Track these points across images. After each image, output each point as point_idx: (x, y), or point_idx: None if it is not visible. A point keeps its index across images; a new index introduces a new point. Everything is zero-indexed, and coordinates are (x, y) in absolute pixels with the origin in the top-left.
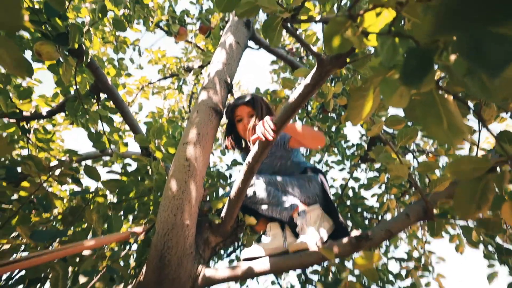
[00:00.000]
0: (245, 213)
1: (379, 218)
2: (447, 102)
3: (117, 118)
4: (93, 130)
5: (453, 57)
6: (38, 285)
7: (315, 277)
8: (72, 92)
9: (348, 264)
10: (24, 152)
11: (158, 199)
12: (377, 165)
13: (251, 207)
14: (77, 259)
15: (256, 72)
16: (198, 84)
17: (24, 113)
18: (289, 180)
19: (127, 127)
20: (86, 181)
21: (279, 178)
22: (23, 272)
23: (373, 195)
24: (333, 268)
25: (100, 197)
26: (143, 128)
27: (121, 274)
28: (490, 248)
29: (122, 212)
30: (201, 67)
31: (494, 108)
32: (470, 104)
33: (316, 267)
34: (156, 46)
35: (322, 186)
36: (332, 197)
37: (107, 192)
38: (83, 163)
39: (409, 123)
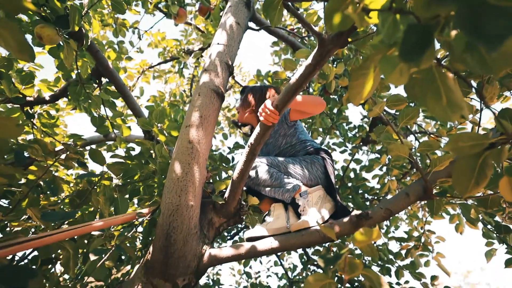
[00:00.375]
0: (249, 194)
1: (380, 199)
2: (447, 78)
3: (119, 103)
4: (96, 115)
5: (453, 33)
6: (50, 265)
7: (317, 258)
8: (73, 76)
9: (350, 246)
10: (30, 137)
11: (163, 181)
12: (378, 147)
13: (254, 188)
14: (86, 241)
15: (257, 54)
16: (199, 67)
17: (28, 98)
18: (292, 162)
19: (129, 112)
20: (91, 166)
21: (281, 160)
22: (35, 253)
23: (374, 177)
24: (334, 249)
25: (106, 180)
26: (146, 112)
27: (128, 255)
28: (489, 227)
29: (127, 195)
30: (202, 49)
31: (496, 86)
32: (474, 84)
33: (318, 248)
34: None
35: (325, 169)
36: (334, 180)
37: (113, 176)
38: (87, 148)
39: (411, 104)
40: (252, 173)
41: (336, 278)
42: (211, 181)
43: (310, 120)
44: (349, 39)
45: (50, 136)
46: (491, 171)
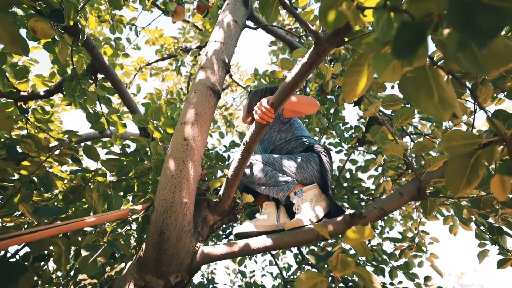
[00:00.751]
0: (245, 192)
1: (375, 199)
2: (439, 76)
3: (115, 100)
4: (91, 111)
5: (446, 31)
6: (42, 262)
7: (308, 255)
8: (69, 72)
9: (345, 246)
10: (24, 133)
11: (157, 178)
12: (374, 148)
13: (249, 186)
14: (79, 238)
15: (255, 53)
16: (196, 65)
17: (22, 93)
18: (287, 160)
19: (125, 109)
20: (86, 162)
21: (277, 158)
22: (27, 250)
23: (369, 177)
24: (329, 248)
25: (100, 176)
26: (142, 110)
27: (122, 252)
28: (482, 228)
29: (121, 192)
30: (199, 47)
31: (490, 87)
32: (468, 85)
33: (312, 247)
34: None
35: (321, 167)
36: (330, 179)
37: (107, 172)
38: (82, 144)
39: (407, 106)
40: (247, 171)
41: (330, 279)
42: (206, 179)
43: (307, 120)
44: (346, 38)
45: (44, 131)
46: (483, 170)
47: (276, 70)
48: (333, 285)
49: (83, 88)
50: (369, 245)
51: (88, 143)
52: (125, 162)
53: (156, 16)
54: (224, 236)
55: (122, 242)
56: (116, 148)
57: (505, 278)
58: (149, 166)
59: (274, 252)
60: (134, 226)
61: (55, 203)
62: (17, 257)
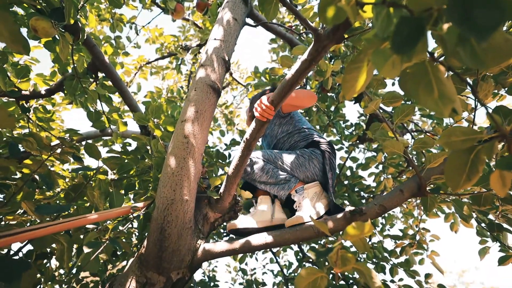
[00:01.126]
0: (246, 188)
1: (375, 197)
2: (439, 72)
3: (116, 99)
4: (92, 110)
5: (446, 26)
6: (45, 260)
7: (308, 251)
8: (70, 70)
9: (346, 244)
10: (25, 132)
11: (158, 176)
12: (375, 145)
13: (250, 182)
14: (81, 236)
15: (255, 51)
16: (196, 63)
17: (23, 92)
18: (289, 158)
19: (126, 107)
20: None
21: (279, 155)
22: (30, 247)
23: (370, 175)
24: (330, 246)
25: (101, 174)
26: (142, 108)
27: (124, 250)
28: (483, 225)
29: (123, 190)
30: (199, 45)
31: (491, 83)
32: (469, 81)
33: (313, 245)
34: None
35: (324, 165)
36: (333, 177)
37: (108, 170)
38: (84, 143)
39: (408, 102)
40: (248, 168)
41: (331, 276)
42: (206, 176)
43: (307, 118)
44: (345, 35)
45: (46, 130)
46: (483, 166)
47: (276, 67)
48: (334, 282)
49: (84, 87)
50: (369, 243)
51: (89, 141)
52: (126, 160)
53: (156, 14)
54: (225, 234)
55: (124, 240)
56: (117, 147)
57: (506, 276)
58: (150, 164)
59: (275, 250)
60: (135, 224)
61: (57, 201)
62: (20, 254)
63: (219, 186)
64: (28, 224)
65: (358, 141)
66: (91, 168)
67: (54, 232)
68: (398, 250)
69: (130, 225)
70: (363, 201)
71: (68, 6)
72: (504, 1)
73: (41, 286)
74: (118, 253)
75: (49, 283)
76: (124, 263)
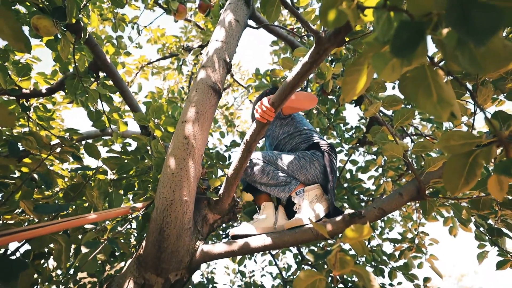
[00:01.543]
0: (247, 189)
1: (374, 200)
2: (438, 76)
3: (117, 98)
4: (92, 109)
5: (445, 31)
6: (42, 260)
7: (307, 254)
8: (71, 69)
9: (345, 246)
10: (25, 130)
11: (158, 176)
12: (374, 148)
13: (251, 184)
14: (79, 236)
15: (257, 53)
16: (198, 64)
17: (24, 91)
18: (290, 159)
19: (126, 107)
20: (87, 161)
21: (279, 157)
22: (28, 247)
23: (370, 178)
24: (329, 249)
25: (101, 174)
26: (143, 108)
27: (122, 251)
28: (481, 229)
29: (122, 190)
30: (201, 46)
31: (490, 88)
32: (469, 86)
33: (312, 247)
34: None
35: (325, 168)
36: (334, 180)
37: (108, 170)
38: (83, 142)
39: (408, 106)
40: (248, 170)
41: (329, 279)
42: (206, 177)
43: (308, 120)
44: (347, 38)
45: (46, 129)
46: (481, 170)
47: (277, 69)
48: (332, 285)
49: (84, 86)
50: (369, 246)
51: (89, 141)
52: (126, 160)
53: (158, 15)
54: (224, 236)
55: (122, 241)
56: (117, 147)
57: (505, 280)
58: (150, 165)
59: (273, 252)
60: (134, 224)
61: (56, 201)
62: (18, 254)
63: (219, 187)
64: (26, 224)
65: (358, 144)
66: (91, 167)
67: (52, 232)
68: (397, 253)
69: (129, 226)
70: (363, 204)
71: (70, 5)
72: (502, 6)
73: (38, 287)
74: (117, 253)
75: (46, 283)
76: (123, 264)
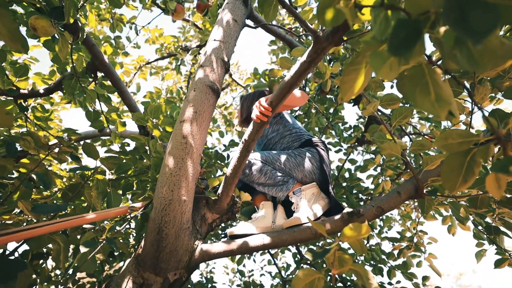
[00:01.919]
0: (243, 190)
1: (373, 198)
2: (436, 74)
3: (115, 99)
4: (90, 109)
5: (442, 29)
6: (41, 260)
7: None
8: (68, 70)
9: (343, 245)
10: (23, 131)
11: (156, 176)
12: (373, 148)
13: (248, 184)
14: (78, 236)
15: (255, 52)
16: (196, 64)
17: (21, 91)
18: (287, 158)
19: (125, 107)
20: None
21: (276, 156)
22: (26, 247)
23: (368, 177)
24: (327, 247)
25: (99, 174)
26: (141, 109)
27: (121, 251)
28: (480, 228)
29: (120, 190)
30: (199, 46)
31: (487, 87)
32: (467, 84)
33: (311, 247)
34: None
35: (321, 163)
36: (329, 174)
37: (106, 170)
38: (82, 143)
39: (406, 105)
40: (246, 170)
41: (328, 278)
42: (205, 177)
43: (306, 120)
44: (344, 37)
45: (44, 129)
46: (479, 168)
47: (275, 68)
48: (331, 284)
49: (82, 87)
50: (367, 245)
51: (88, 141)
52: (124, 160)
53: (156, 15)
54: (223, 235)
55: (121, 240)
56: (115, 147)
57: (503, 279)
58: (148, 164)
59: (273, 252)
60: (133, 224)
61: (54, 201)
62: (16, 254)
63: (217, 187)
64: (25, 224)
65: (356, 143)
66: (89, 168)
67: (51, 232)
68: (395, 252)
69: (127, 226)
70: (361, 203)
71: (68, 5)
72: (499, 4)
73: (37, 287)
74: (115, 253)
75: (45, 283)
76: (121, 263)
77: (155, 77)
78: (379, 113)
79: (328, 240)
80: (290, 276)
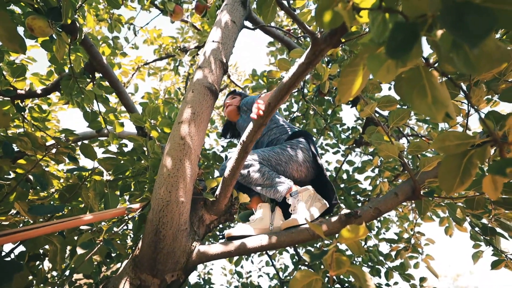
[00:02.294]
0: (241, 191)
1: (370, 200)
2: (433, 77)
3: (113, 99)
4: (88, 110)
5: (439, 33)
6: (37, 262)
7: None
8: (66, 70)
9: (341, 246)
10: (20, 131)
11: (154, 177)
12: (371, 149)
13: (245, 185)
14: (75, 238)
15: (254, 54)
16: (194, 65)
17: (19, 91)
18: (280, 153)
19: (123, 108)
20: (83, 161)
21: (271, 153)
22: (23, 249)
23: (366, 178)
24: (325, 249)
25: (97, 175)
26: (139, 109)
27: (118, 252)
28: (476, 229)
29: (118, 191)
30: (198, 47)
31: (483, 89)
32: (463, 86)
33: (309, 248)
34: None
35: (313, 152)
36: (321, 162)
37: (104, 171)
38: (79, 143)
39: (404, 107)
40: (244, 171)
41: (326, 280)
42: (202, 178)
43: (305, 121)
44: (343, 39)
45: (41, 130)
46: (476, 170)
47: (274, 70)
48: (329, 286)
49: (80, 87)
50: (365, 246)
51: (85, 142)
52: (122, 161)
53: (155, 15)
54: (220, 237)
55: (118, 242)
56: (113, 147)
57: (500, 280)
58: (146, 165)
59: (270, 253)
60: (130, 225)
61: (51, 202)
62: (12, 255)
63: (215, 188)
64: (21, 225)
65: (354, 145)
66: (87, 168)
67: (48, 233)
68: (393, 253)
69: (125, 227)
70: (359, 204)
71: (66, 5)
72: (495, 9)
73: None
74: (113, 255)
75: (42, 285)
76: (119, 265)
77: (153, 78)
78: (377, 115)
79: (326, 242)
80: (288, 278)
